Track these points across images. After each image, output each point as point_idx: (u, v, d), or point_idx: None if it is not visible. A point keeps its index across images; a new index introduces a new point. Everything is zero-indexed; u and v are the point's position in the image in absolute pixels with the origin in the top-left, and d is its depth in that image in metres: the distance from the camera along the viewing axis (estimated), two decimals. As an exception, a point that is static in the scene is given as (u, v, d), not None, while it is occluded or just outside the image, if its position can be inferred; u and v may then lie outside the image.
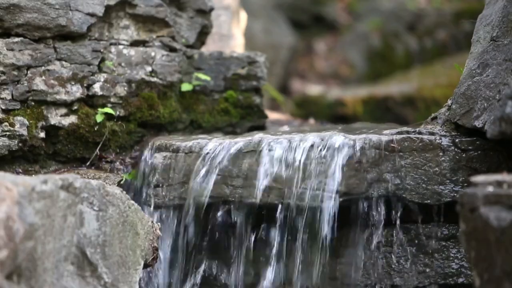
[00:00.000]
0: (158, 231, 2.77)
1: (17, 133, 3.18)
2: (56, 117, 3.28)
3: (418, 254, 3.03)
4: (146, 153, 3.25)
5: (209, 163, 3.08)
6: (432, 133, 3.06)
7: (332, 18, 8.44)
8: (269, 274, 3.05)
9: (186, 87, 3.53)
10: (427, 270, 3.02)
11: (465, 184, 2.96)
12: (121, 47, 3.42)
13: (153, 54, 3.46)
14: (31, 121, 3.21)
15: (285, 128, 3.74)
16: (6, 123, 3.16)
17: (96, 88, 3.33)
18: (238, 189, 3.05)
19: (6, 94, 3.19)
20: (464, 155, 3.00)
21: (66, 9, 3.25)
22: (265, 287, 3.05)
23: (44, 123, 3.26)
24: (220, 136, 3.38)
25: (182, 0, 3.57)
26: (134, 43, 3.46)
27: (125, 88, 3.39)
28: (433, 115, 3.24)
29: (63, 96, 3.27)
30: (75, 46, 3.30)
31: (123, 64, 3.41)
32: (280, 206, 3.00)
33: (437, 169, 2.99)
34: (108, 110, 3.34)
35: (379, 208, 3.01)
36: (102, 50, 3.35)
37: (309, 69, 8.02)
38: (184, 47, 3.56)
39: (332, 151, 3.00)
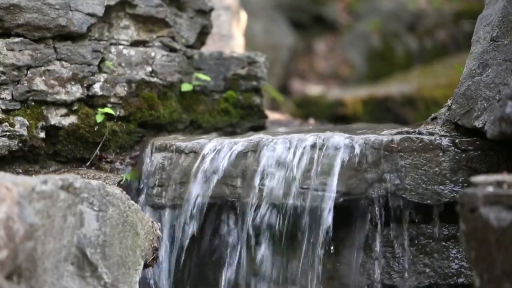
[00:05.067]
0: (158, 231, 2.77)
1: (17, 133, 3.18)
2: (56, 117, 3.28)
3: (418, 254, 3.03)
4: (146, 153, 3.25)
5: (209, 163, 3.08)
6: (432, 133, 3.06)
7: (332, 18, 8.44)
8: (269, 273, 3.05)
9: (186, 87, 3.53)
10: (427, 270, 3.02)
11: (465, 184, 2.96)
12: (121, 47, 3.42)
13: (153, 54, 3.46)
14: (31, 121, 3.21)
15: (285, 128, 3.74)
16: (6, 123, 3.16)
17: (96, 88, 3.33)
18: (238, 189, 3.05)
19: (6, 94, 3.19)
20: (464, 155, 3.00)
21: (66, 9, 3.25)
22: (265, 286, 3.05)
23: (44, 123, 3.26)
24: (220, 136, 3.38)
25: (182, 0, 3.57)
26: (134, 43, 3.46)
27: (125, 88, 3.39)
28: (433, 115, 3.24)
29: (63, 96, 3.27)
30: (75, 46, 3.30)
31: (123, 64, 3.41)
32: (280, 206, 3.00)
33: (437, 169, 2.99)
34: (108, 110, 3.34)
35: (379, 208, 3.00)
36: (102, 50, 3.35)
37: (309, 69, 8.02)
38: (184, 47, 3.56)
39: (332, 151, 3.00)
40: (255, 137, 3.14)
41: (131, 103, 3.40)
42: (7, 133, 3.16)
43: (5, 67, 3.18)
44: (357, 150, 3.00)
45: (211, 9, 3.64)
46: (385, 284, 3.02)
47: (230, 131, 3.59)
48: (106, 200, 2.58)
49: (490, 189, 2.21)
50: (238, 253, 3.07)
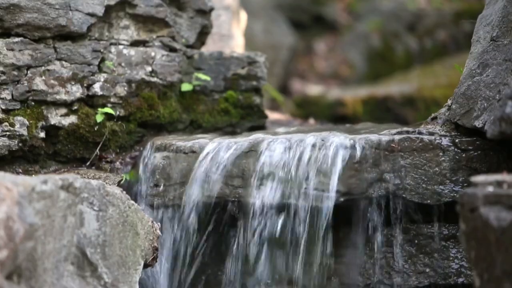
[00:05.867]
0: (158, 231, 2.77)
1: (17, 133, 3.18)
2: (56, 117, 3.28)
3: (418, 254, 3.03)
4: (146, 153, 3.25)
5: (209, 163, 3.08)
6: (432, 133, 3.06)
7: (332, 18, 8.44)
8: (270, 273, 3.05)
9: (186, 87, 3.53)
10: (427, 270, 3.02)
11: (465, 184, 2.96)
12: (121, 47, 3.42)
13: (153, 54, 3.46)
14: (31, 121, 3.21)
15: (285, 128, 3.74)
16: (6, 123, 3.16)
17: (96, 88, 3.33)
18: (238, 189, 3.05)
19: (6, 94, 3.19)
20: (464, 155, 3.00)
21: (66, 9, 3.25)
22: (265, 285, 3.05)
23: (44, 123, 3.26)
24: (220, 136, 3.38)
25: (182, 0, 3.57)
26: (134, 43, 3.46)
27: (125, 88, 3.39)
28: (433, 115, 3.24)
29: (63, 96, 3.27)
30: (75, 46, 3.30)
31: (123, 64, 3.41)
32: (280, 206, 3.00)
33: (437, 169, 2.99)
34: (108, 110, 3.34)
35: (379, 208, 3.01)
36: (102, 50, 3.35)
37: (309, 69, 8.02)
38: (184, 47, 3.56)
39: (332, 151, 3.00)
40: (255, 136, 3.14)
41: (131, 103, 3.40)
42: (7, 133, 3.16)
43: (5, 67, 3.18)
44: (357, 150, 3.00)
45: (211, 9, 3.64)
46: (385, 284, 3.02)
47: (230, 131, 3.59)
48: (106, 200, 2.58)
49: (490, 189, 2.21)
50: (238, 252, 3.07)
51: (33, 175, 3.18)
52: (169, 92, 3.49)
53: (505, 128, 2.57)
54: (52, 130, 3.29)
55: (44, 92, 3.24)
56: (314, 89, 7.33)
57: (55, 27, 3.24)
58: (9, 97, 3.20)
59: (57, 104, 3.27)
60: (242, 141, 3.11)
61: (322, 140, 3.03)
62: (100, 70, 3.36)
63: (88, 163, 3.35)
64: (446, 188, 2.99)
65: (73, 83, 3.29)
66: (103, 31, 3.39)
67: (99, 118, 3.32)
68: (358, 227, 3.04)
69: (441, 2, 7.93)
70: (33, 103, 3.23)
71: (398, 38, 7.81)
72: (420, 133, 3.06)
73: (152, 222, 2.75)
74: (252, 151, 3.07)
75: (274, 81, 6.77)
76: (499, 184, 2.22)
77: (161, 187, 3.15)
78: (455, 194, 2.96)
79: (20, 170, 3.25)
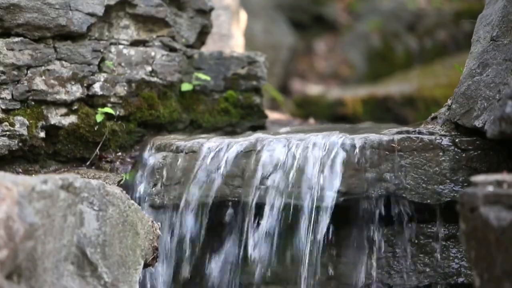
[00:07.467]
0: (158, 230, 2.77)
1: (17, 133, 3.18)
2: (56, 117, 3.28)
3: (418, 253, 3.03)
4: (146, 153, 3.25)
5: (208, 162, 3.08)
6: (432, 133, 3.06)
7: (332, 18, 8.44)
8: (269, 273, 3.05)
9: (186, 87, 3.53)
10: (427, 269, 3.02)
11: (465, 184, 2.96)
12: (121, 47, 3.42)
13: (153, 54, 3.46)
14: (31, 121, 3.21)
15: (285, 128, 3.74)
16: (6, 123, 3.16)
17: (96, 88, 3.33)
18: (238, 189, 3.05)
19: (6, 94, 3.19)
20: (464, 155, 3.00)
21: (66, 9, 3.25)
22: (264, 285, 3.05)
23: (44, 123, 3.26)
24: (220, 136, 3.38)
25: (182, 0, 3.57)
26: (134, 43, 3.46)
27: (125, 88, 3.39)
28: (433, 115, 3.24)
29: (63, 96, 3.27)
30: (75, 46, 3.30)
31: (123, 64, 3.41)
32: (279, 205, 3.00)
33: (437, 168, 2.99)
34: (108, 110, 3.34)
35: (379, 208, 3.01)
36: (102, 50, 3.35)
37: (309, 69, 8.02)
38: (184, 47, 3.56)
39: (332, 150, 3.00)
40: (255, 136, 3.14)
41: (131, 103, 3.40)
42: (7, 132, 3.16)
43: (5, 66, 3.18)
44: (357, 149, 3.00)
45: (211, 9, 3.64)
46: (385, 283, 3.02)
47: (230, 130, 3.59)
48: (106, 200, 2.58)
49: (490, 188, 2.21)
50: (237, 252, 3.07)
51: (33, 175, 3.18)
52: (169, 92, 3.49)
53: (505, 127, 2.57)
54: (52, 130, 3.29)
55: (44, 92, 3.24)
56: (314, 89, 7.33)
57: (55, 27, 3.24)
58: (9, 97, 3.20)
59: (57, 104, 3.27)
60: (242, 140, 3.11)
61: (322, 140, 3.03)
62: (100, 70, 3.36)
63: (88, 163, 3.35)
64: (446, 188, 2.99)
65: (73, 83, 3.29)
66: (103, 31, 3.39)
67: (99, 118, 3.32)
68: (358, 226, 3.04)
69: (441, 2, 7.93)
70: (33, 103, 3.23)
71: (398, 38, 7.81)
72: (420, 133, 3.06)
73: (152, 221, 2.75)
74: (252, 151, 3.07)
75: (274, 81, 6.77)
76: (499, 183, 2.22)
77: (161, 186, 3.15)
78: (455, 194, 2.96)
79: (20, 170, 3.25)
